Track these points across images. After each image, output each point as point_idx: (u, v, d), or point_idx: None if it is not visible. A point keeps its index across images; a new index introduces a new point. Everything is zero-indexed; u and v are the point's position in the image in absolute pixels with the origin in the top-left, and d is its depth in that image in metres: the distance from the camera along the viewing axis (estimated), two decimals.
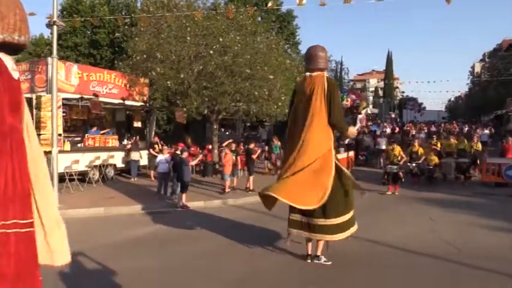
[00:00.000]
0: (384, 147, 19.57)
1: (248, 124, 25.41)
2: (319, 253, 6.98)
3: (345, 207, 6.72)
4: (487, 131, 29.05)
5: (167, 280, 6.19)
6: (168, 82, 15.15)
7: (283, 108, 17.16)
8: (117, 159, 16.62)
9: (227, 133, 24.71)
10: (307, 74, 6.94)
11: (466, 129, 30.56)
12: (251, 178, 14.09)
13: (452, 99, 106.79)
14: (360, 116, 34.17)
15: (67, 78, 15.12)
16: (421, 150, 15.49)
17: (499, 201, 12.70)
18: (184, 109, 16.05)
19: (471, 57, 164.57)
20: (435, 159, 15.50)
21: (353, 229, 6.93)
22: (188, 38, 15.24)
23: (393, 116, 47.04)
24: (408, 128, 31.59)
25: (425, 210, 11.26)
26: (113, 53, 26.33)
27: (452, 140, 17.29)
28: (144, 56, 16.01)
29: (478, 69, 74.46)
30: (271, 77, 16.05)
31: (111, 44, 26.53)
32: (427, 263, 7.00)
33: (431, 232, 9.04)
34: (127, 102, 17.48)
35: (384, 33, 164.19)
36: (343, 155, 17.08)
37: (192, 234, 8.88)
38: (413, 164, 15.05)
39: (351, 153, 19.21)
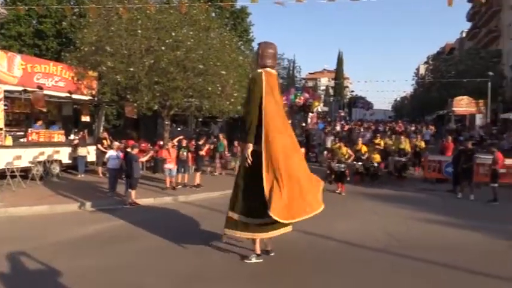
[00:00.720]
0: (329, 144, 19.70)
1: (200, 120, 25.18)
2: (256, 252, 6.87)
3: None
4: (429, 130, 30.36)
5: (113, 279, 6.04)
6: (118, 76, 14.70)
7: (235, 104, 17.14)
8: (63, 155, 15.97)
9: (179, 129, 24.33)
10: (273, 70, 7.06)
11: (413, 128, 31.71)
12: (198, 174, 14.09)
13: (399, 99, 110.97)
14: (310, 114, 34.80)
15: (9, 69, 14.35)
16: (364, 149, 15.59)
17: (439, 196, 13.46)
18: (135, 104, 15.66)
19: (417, 60, 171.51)
20: (377, 158, 15.47)
21: (288, 228, 7.00)
22: (139, 31, 14.83)
23: (342, 114, 48.32)
24: (356, 127, 32.38)
25: (370, 205, 11.68)
26: (60, 44, 25.24)
27: (393, 140, 17.65)
28: (93, 48, 15.44)
29: (422, 71, 77.73)
30: (224, 72, 15.97)
31: (57, 34, 25.40)
32: (370, 256, 7.29)
33: (375, 226, 9.40)
34: (74, 96, 16.82)
35: (335, 34, 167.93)
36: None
37: (140, 232, 8.70)
38: (359, 163, 15.11)
39: (301, 150, 19.43)
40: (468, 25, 65.14)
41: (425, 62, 74.13)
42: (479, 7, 56.00)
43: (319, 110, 42.55)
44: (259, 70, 6.83)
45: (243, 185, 6.70)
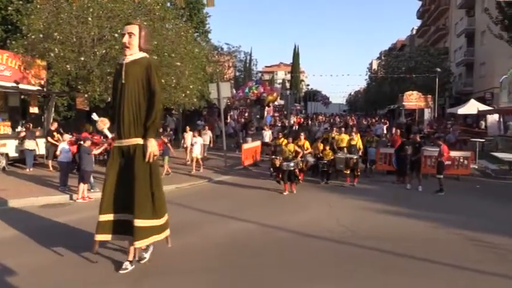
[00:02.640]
0: (267, 140, 19.00)
1: None
2: (130, 258, 6.12)
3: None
4: (382, 124, 30.39)
5: (48, 278, 5.85)
6: (68, 66, 14.17)
7: (191, 96, 16.98)
8: (10, 148, 15.21)
9: None
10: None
11: (365, 122, 32.16)
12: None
13: (353, 93, 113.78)
14: (267, 108, 35.02)
15: None
16: (307, 144, 14.34)
17: (388, 187, 13.94)
18: (86, 95, 15.15)
19: (370, 55, 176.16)
20: (329, 154, 14.19)
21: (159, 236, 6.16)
22: (90, 19, 14.35)
23: (298, 107, 48.87)
24: (305, 121, 32.18)
25: (324, 197, 11.90)
26: (5, 31, 23.92)
27: (344, 135, 15.99)
28: (41, 35, 14.77)
29: (375, 66, 79.97)
30: (179, 64, 15.76)
31: (2, 21, 24.03)
32: (324, 246, 7.46)
33: (329, 217, 9.61)
34: (21, 86, 16.03)
35: (292, 28, 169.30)
36: (249, 145, 17.32)
37: (91, 226, 8.43)
38: (301, 159, 13.29)
39: (257, 144, 19.27)
40: (418, 22, 67.59)
41: (378, 58, 76.34)
42: (429, 5, 58.15)
43: (276, 103, 42.95)
44: (149, 55, 6.20)
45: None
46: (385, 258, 6.79)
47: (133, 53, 6.03)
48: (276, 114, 40.88)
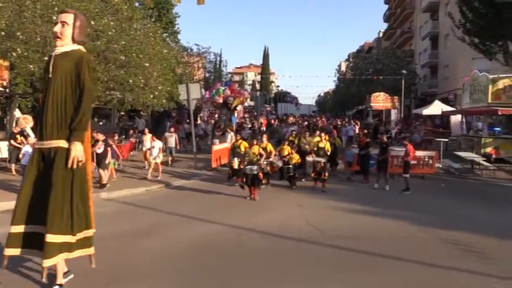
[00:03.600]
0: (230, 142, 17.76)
1: (122, 114, 24.35)
2: (58, 281, 5.21)
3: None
4: (352, 126, 28.81)
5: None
6: (32, 66, 13.73)
7: (160, 97, 16.80)
8: None
9: (101, 123, 23.39)
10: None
11: (339, 123, 31.80)
12: (101, 172, 12.78)
13: (322, 94, 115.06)
14: (237, 109, 34.97)
15: None
16: (270, 147, 13.49)
17: (356, 187, 14.20)
18: None
19: (339, 57, 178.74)
20: (296, 158, 13.59)
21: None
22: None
23: (268, 108, 49.02)
24: (274, 122, 31.61)
25: (294, 198, 11.97)
26: None
27: (310, 138, 15.66)
28: (3, 34, 14.27)
29: (344, 67, 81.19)
30: (148, 65, 15.57)
31: None
32: (293, 246, 7.52)
33: (298, 217, 9.69)
34: None
35: (262, 29, 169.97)
36: (219, 146, 17.23)
37: None
38: (264, 162, 12.56)
39: (227, 145, 19.14)
40: (385, 25, 69.09)
41: (346, 60, 77.52)
42: (395, 9, 59.51)
43: (246, 104, 42.92)
44: (83, 49, 5.29)
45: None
46: (353, 257, 6.89)
47: (65, 45, 5.23)
48: (247, 116, 40.88)
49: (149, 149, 15.15)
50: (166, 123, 22.41)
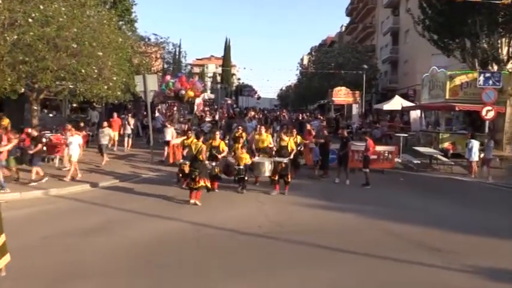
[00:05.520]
0: (168, 138, 16.98)
1: (75, 105, 23.56)
2: None
3: None
4: (319, 121, 29.16)
5: None
6: None
7: (114, 89, 16.36)
8: None
9: (51, 115, 22.57)
10: None
11: (298, 119, 31.39)
12: (34, 169, 12.18)
13: (284, 88, 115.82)
14: (197, 101, 34.63)
15: None
16: (223, 146, 12.29)
17: (318, 182, 14.33)
18: None
19: (301, 50, 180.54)
20: (246, 158, 12.41)
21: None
22: (0, 1, 13.29)
23: (229, 102, 48.84)
24: (232, 115, 30.67)
25: (254, 194, 11.94)
26: None
27: (266, 135, 14.05)
28: None
29: (306, 61, 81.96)
30: (101, 54, 15.10)
31: None
32: (251, 241, 7.57)
33: (258, 213, 9.75)
34: None
35: (224, 20, 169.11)
36: (177, 140, 16.94)
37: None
38: (213, 163, 11.52)
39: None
40: (347, 19, 70.20)
41: (309, 53, 78.32)
42: (357, 3, 60.58)
43: (206, 97, 42.59)
44: None
45: None
46: (311, 252, 7.03)
47: None
48: (207, 109, 40.56)
49: (66, 146, 13.76)
50: (122, 116, 21.87)
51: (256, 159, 12.67)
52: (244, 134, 14.91)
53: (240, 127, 16.08)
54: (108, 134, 16.10)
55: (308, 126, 18.25)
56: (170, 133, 17.12)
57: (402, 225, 8.72)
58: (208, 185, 10.69)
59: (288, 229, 8.39)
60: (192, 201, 10.38)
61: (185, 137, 13.14)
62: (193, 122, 24.57)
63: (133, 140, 20.59)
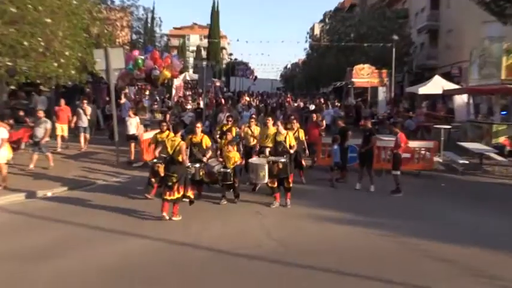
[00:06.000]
0: (132, 131, 17.01)
1: (14, 88, 23.49)
2: None
3: None
4: (335, 109, 28.40)
5: None
6: None
7: (67, 67, 16.28)
8: None
9: None
10: None
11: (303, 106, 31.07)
12: None
13: (289, 66, 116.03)
14: (175, 83, 34.61)
15: None
16: (207, 141, 12.25)
17: (334, 188, 14.21)
18: None
19: (312, 17, 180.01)
20: (235, 157, 12.20)
21: None
22: None
23: (218, 83, 48.78)
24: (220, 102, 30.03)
25: (251, 203, 11.96)
26: None
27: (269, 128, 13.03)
28: None
29: (318, 31, 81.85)
30: (49, 21, 15.03)
31: None
32: (249, 266, 7.57)
33: (257, 229, 9.75)
34: None
35: None
36: (149, 134, 16.93)
37: None
38: (196, 165, 11.49)
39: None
40: None
41: (321, 21, 78.16)
42: None
43: (188, 78, 42.57)
44: None
45: None
46: (327, 280, 6.97)
47: None
48: (188, 93, 40.55)
49: None
50: (76, 102, 21.79)
51: (254, 160, 12.43)
52: (234, 129, 14.61)
53: (229, 117, 15.69)
54: (45, 127, 15.61)
55: (314, 116, 18.19)
56: (134, 125, 16.97)
57: (445, 246, 8.71)
58: (191, 195, 10.59)
59: (296, 249, 8.37)
60: (165, 215, 10.11)
61: (158, 131, 12.97)
62: (175, 112, 24.40)
63: (91, 134, 20.50)
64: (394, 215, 11.01)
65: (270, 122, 13.03)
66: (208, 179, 12.03)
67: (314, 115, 18.54)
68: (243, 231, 9.59)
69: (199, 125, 12.79)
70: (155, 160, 11.62)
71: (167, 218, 10.09)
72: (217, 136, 14.38)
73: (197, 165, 11.41)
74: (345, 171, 15.03)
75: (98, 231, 9.33)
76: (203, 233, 9.24)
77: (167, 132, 12.24)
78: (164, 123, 13.32)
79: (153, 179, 11.77)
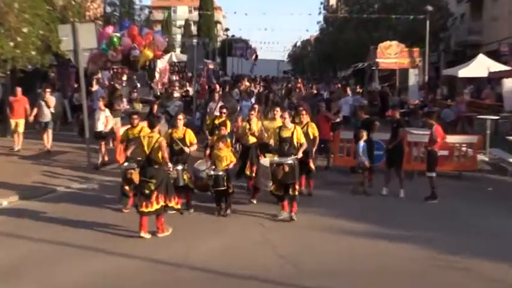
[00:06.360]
0: (101, 127, 16.53)
1: None
2: None
3: None
4: (358, 97, 26.78)
5: None
6: None
7: (26, 47, 16.27)
8: None
9: None
10: None
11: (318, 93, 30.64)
12: None
13: (299, 43, 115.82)
14: (159, 66, 34.57)
15: None
16: (190, 135, 11.98)
17: (353, 194, 14.08)
18: None
19: None
20: (229, 158, 12.04)
21: None
22: None
23: (212, 66, 48.69)
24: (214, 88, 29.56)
25: (253, 213, 11.94)
26: None
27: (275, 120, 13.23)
28: None
29: (333, 1, 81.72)
30: None
31: None
32: None
33: (261, 245, 9.72)
34: None
35: None
36: (122, 129, 16.84)
37: None
38: (179, 167, 11.44)
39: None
40: None
41: None
42: None
43: (174, 59, 42.51)
44: None
45: None
46: None
47: None
48: (175, 78, 40.46)
49: None
50: (38, 90, 21.77)
51: (262, 161, 12.21)
52: (228, 122, 14.23)
53: (223, 108, 15.21)
54: None
55: (322, 106, 17.69)
56: (103, 120, 16.46)
57: (493, 264, 8.66)
58: (174, 205, 10.45)
59: (309, 270, 8.32)
60: (144, 235, 9.86)
61: (129, 126, 12.72)
62: (164, 103, 24.19)
63: (56, 129, 20.45)
64: (428, 227, 10.95)
65: (278, 113, 12.93)
66: (195, 185, 11.96)
67: (321, 105, 17.96)
68: (243, 248, 9.57)
69: (180, 116, 12.43)
70: (126, 164, 11.37)
71: (146, 236, 9.82)
72: (207, 131, 14.10)
73: (179, 167, 11.30)
74: (372, 173, 14.88)
75: (63, 248, 9.33)
76: (193, 250, 9.22)
77: (140, 126, 12.07)
78: (135, 116, 12.83)
79: (126, 187, 11.56)
